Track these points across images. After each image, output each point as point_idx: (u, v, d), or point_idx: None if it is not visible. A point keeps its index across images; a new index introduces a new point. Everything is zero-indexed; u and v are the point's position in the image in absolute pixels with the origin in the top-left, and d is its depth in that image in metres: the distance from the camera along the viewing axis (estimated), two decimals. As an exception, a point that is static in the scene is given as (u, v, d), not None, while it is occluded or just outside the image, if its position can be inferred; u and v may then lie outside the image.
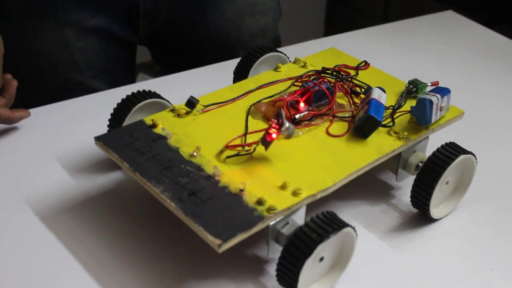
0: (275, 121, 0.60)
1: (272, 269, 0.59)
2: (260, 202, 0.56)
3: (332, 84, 0.71)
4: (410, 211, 0.68)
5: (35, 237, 0.63)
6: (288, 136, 0.60)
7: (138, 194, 0.68)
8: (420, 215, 0.68)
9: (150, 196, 0.61)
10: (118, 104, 0.69)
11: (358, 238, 0.58)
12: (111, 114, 0.69)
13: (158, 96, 0.70)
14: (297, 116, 0.65)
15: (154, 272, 0.60)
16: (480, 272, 0.61)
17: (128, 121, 0.68)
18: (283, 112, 0.60)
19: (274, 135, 0.60)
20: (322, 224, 0.54)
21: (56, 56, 0.93)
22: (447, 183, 0.66)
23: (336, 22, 2.27)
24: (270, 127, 0.60)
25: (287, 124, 0.60)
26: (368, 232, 0.66)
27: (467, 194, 0.69)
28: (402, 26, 1.16)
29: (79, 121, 0.81)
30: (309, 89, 0.69)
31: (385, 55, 1.05)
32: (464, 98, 0.79)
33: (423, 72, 0.97)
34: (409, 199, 0.66)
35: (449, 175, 0.65)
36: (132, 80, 1.07)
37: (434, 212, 0.66)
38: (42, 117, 0.81)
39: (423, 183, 0.64)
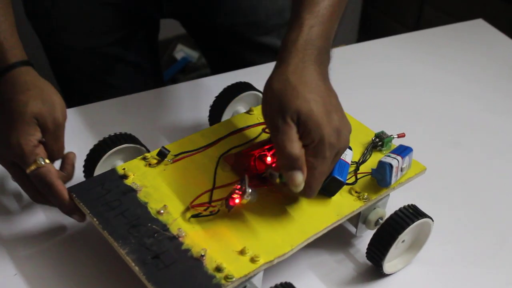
0: (239, 186, 0.63)
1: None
2: (219, 269, 0.59)
3: None
4: (365, 263, 0.72)
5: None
6: (251, 201, 0.64)
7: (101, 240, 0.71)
8: (374, 268, 0.71)
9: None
10: (94, 145, 0.71)
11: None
12: (85, 160, 0.72)
13: (133, 140, 0.72)
14: (263, 175, 0.68)
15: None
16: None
17: (103, 163, 0.71)
18: (246, 179, 0.63)
19: (237, 200, 0.63)
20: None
21: (75, 21, 1.00)
22: (403, 241, 0.70)
23: (371, 27, 2.31)
24: (233, 192, 0.63)
25: (249, 190, 0.63)
26: (321, 284, 0.69)
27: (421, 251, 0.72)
28: (431, 34, 1.20)
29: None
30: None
31: (411, 63, 1.10)
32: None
33: (444, 83, 1.05)
34: (365, 248, 0.69)
35: (406, 235, 0.68)
36: (154, 49, 1.14)
37: (387, 267, 0.70)
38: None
39: (379, 243, 0.67)
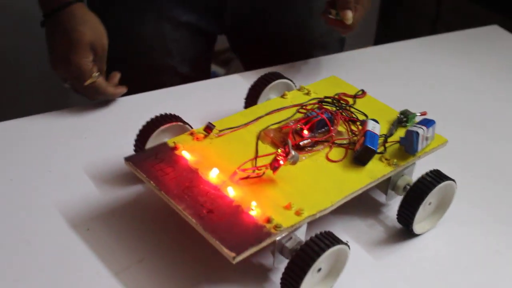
0: (283, 149, 0.70)
1: (275, 277, 0.69)
2: (268, 220, 0.65)
3: (333, 112, 0.80)
4: (394, 226, 0.78)
5: (60, 245, 0.72)
6: (293, 163, 0.70)
7: (157, 206, 0.78)
8: (402, 231, 0.77)
9: (166, 208, 0.71)
10: (143, 125, 0.78)
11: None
12: (137, 135, 0.78)
13: (180, 120, 0.79)
14: (301, 143, 0.75)
15: (172, 278, 0.69)
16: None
17: (152, 142, 0.78)
18: (290, 142, 0.70)
19: (281, 162, 0.70)
20: (320, 243, 0.64)
21: (152, 43, 1.11)
22: (429, 203, 0.76)
23: (390, 26, 2.42)
24: (278, 154, 0.70)
25: (292, 152, 0.69)
26: (355, 244, 0.75)
27: (447, 213, 0.79)
28: (447, 39, 1.29)
29: (105, 133, 0.92)
30: (312, 118, 0.78)
31: (426, 67, 1.19)
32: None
33: (461, 83, 1.15)
34: (394, 215, 0.76)
35: (432, 197, 0.75)
36: (208, 65, 1.24)
37: (416, 228, 0.76)
38: (67, 126, 0.92)
39: (409, 204, 0.74)
